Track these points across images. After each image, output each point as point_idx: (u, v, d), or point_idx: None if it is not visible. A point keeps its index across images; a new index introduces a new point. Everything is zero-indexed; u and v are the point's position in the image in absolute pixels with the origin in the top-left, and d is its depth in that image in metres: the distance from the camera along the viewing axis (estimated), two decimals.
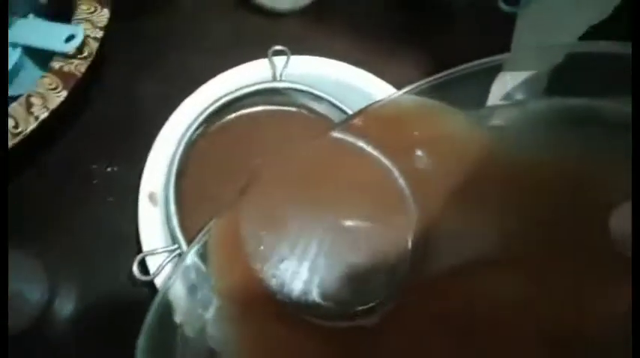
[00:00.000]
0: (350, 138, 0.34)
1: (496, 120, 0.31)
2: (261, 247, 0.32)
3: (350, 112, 0.39)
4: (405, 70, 0.49)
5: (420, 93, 0.31)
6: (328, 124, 0.40)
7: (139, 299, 0.38)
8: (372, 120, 0.32)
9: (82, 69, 0.40)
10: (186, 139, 0.38)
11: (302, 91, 0.41)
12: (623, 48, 0.24)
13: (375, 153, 0.32)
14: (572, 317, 0.25)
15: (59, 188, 0.44)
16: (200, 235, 0.34)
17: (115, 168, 0.45)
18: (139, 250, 0.37)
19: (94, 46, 0.41)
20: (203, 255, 0.33)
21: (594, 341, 0.24)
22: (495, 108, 0.31)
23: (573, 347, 0.24)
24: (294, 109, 0.42)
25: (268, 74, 0.42)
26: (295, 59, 0.42)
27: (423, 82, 0.31)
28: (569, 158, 0.27)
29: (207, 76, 0.45)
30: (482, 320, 0.28)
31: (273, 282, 0.32)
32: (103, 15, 0.43)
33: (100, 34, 0.42)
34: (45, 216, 0.42)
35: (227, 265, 0.31)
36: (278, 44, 0.42)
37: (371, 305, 0.32)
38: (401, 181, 0.31)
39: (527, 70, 0.32)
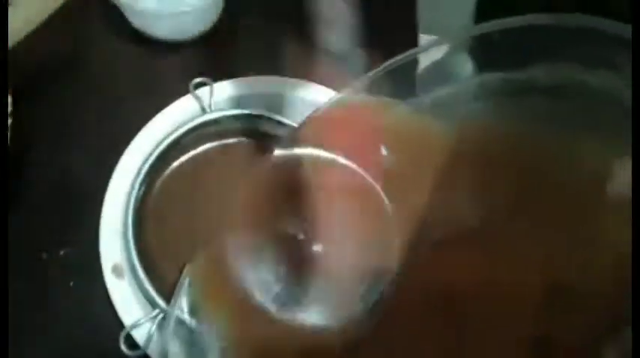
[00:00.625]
0: (299, 150, 0.33)
1: (437, 105, 0.31)
2: (248, 274, 0.31)
3: (292, 123, 0.39)
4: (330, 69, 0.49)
5: (358, 91, 0.31)
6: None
7: None
8: (320, 127, 0.32)
9: None
10: (133, 200, 0.37)
11: (238, 116, 0.40)
12: (534, 19, 0.25)
13: (335, 157, 0.32)
14: (556, 275, 0.26)
15: (16, 290, 0.41)
16: (177, 290, 0.32)
17: (68, 250, 0.42)
18: (121, 325, 0.35)
19: None
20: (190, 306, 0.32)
21: (582, 293, 0.24)
22: (432, 93, 0.31)
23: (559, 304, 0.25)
24: (234, 140, 0.41)
25: (196, 108, 0.40)
26: (219, 86, 0.40)
27: (359, 80, 0.31)
28: (516, 128, 0.28)
29: (132, 128, 0.43)
30: (470, 298, 0.28)
31: (270, 302, 0.31)
32: None
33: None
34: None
35: (219, 299, 0.30)
36: (195, 76, 0.41)
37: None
38: (369, 181, 0.31)
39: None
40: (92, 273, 0.41)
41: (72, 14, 0.48)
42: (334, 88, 0.40)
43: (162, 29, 0.48)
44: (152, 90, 0.47)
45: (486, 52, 0.30)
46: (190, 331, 0.32)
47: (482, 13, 0.48)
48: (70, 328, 0.39)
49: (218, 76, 0.42)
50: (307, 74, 0.42)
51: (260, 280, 0.31)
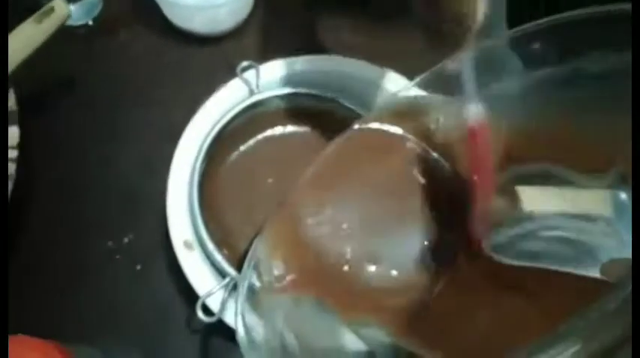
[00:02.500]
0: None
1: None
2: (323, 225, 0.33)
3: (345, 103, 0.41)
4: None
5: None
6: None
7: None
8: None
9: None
10: (196, 178, 0.39)
11: (285, 95, 0.42)
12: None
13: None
14: None
15: (87, 278, 0.43)
16: (250, 255, 0.34)
17: (131, 236, 0.45)
18: (192, 297, 0.37)
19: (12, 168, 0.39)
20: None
21: None
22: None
23: None
24: (289, 123, 0.43)
25: (245, 91, 0.42)
26: (265, 68, 0.43)
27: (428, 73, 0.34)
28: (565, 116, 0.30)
29: (178, 120, 0.45)
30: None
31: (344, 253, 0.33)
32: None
33: (14, 153, 0.40)
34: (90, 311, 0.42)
35: (294, 252, 0.32)
36: (235, 65, 0.43)
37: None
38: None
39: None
40: (157, 256, 0.43)
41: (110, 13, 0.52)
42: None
43: (198, 23, 0.50)
44: (195, 82, 0.50)
45: (532, 48, 0.32)
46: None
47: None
48: (141, 309, 0.42)
49: (260, 61, 0.44)
50: (349, 52, 0.44)
51: (333, 235, 0.33)
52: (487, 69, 0.33)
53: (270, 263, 0.33)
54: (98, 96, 0.50)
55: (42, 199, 0.45)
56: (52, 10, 0.38)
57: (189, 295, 0.38)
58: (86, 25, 0.52)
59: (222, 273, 0.37)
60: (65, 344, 0.33)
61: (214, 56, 0.51)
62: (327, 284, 0.32)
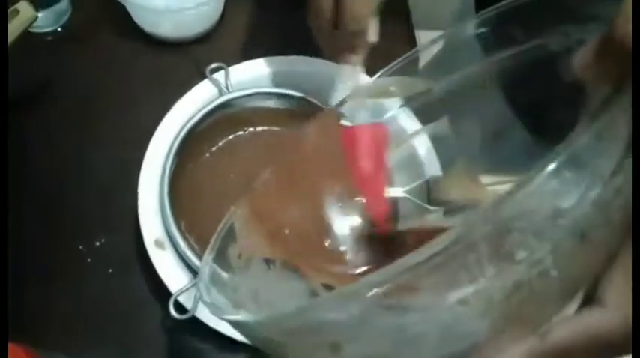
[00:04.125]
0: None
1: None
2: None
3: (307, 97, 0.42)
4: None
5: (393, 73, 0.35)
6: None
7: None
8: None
9: None
10: (167, 178, 0.39)
11: (255, 94, 0.42)
12: None
13: None
14: None
15: (58, 280, 0.43)
16: (215, 237, 0.34)
17: (103, 240, 0.44)
18: (167, 297, 0.37)
19: None
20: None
21: None
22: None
23: None
24: (258, 123, 0.44)
25: (214, 92, 0.43)
26: (234, 69, 0.43)
27: (395, 64, 0.34)
28: None
29: (150, 122, 0.45)
30: None
31: None
32: None
33: None
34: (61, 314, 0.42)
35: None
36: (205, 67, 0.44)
37: None
38: None
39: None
40: (129, 258, 0.43)
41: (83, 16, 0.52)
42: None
43: (167, 27, 0.50)
44: (166, 85, 0.50)
45: (497, 33, 0.33)
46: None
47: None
48: (114, 310, 0.42)
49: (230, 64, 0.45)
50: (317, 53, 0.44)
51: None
52: (450, 58, 0.34)
53: (244, 227, 0.34)
54: (69, 101, 0.50)
55: (13, 202, 0.45)
56: (16, 12, 0.38)
57: (162, 294, 0.38)
58: (55, 32, 0.52)
59: (194, 271, 0.37)
60: (36, 349, 0.32)
61: (185, 60, 0.52)
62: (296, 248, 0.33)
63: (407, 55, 0.36)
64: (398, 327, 0.18)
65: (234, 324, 0.23)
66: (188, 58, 0.52)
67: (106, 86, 0.51)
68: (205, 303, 0.27)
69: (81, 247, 0.44)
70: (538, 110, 0.33)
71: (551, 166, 0.16)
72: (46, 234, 0.44)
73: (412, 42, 0.56)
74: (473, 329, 0.18)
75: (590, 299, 0.18)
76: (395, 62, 0.36)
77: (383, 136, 0.38)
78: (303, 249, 0.36)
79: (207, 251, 0.32)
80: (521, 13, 0.30)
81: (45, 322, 0.41)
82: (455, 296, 0.17)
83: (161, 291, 0.38)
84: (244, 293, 0.32)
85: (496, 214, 0.16)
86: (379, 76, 0.37)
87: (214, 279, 0.31)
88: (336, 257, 0.36)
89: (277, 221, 0.35)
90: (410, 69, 0.36)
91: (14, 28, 0.38)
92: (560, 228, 0.17)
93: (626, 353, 0.18)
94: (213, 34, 0.53)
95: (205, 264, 0.32)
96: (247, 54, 0.48)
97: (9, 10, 0.38)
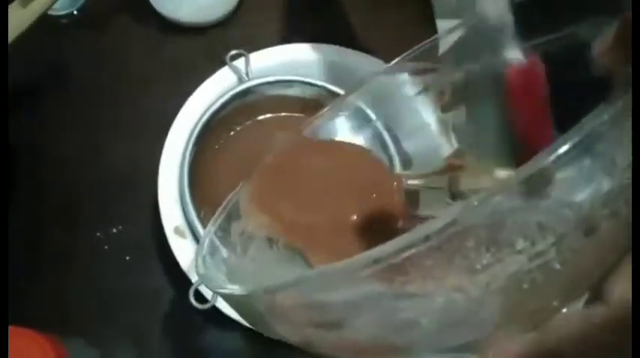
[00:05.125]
0: None
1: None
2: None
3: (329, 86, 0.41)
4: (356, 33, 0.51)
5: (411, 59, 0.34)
6: None
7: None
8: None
9: None
10: (186, 166, 0.38)
11: (272, 83, 0.42)
12: None
13: None
14: None
15: (76, 268, 0.43)
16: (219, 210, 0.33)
17: (120, 227, 0.44)
18: (186, 286, 0.37)
19: None
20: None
21: None
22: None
23: None
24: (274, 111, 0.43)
25: (234, 79, 0.42)
26: (255, 56, 0.42)
27: (411, 51, 0.33)
28: None
29: (169, 108, 0.45)
30: None
31: None
32: None
33: None
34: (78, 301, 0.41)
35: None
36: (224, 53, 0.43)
37: None
38: None
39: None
40: (146, 246, 0.43)
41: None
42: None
43: (186, 12, 0.49)
44: (184, 71, 0.49)
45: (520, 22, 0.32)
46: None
47: None
48: (132, 298, 0.42)
49: (249, 51, 0.44)
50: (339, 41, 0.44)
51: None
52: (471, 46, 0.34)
53: (249, 204, 0.33)
54: (84, 87, 0.49)
55: (30, 190, 0.44)
56: None
57: (181, 283, 0.38)
58: (71, 15, 0.51)
59: None
60: (61, 339, 0.32)
61: (203, 46, 0.51)
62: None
63: (425, 42, 0.35)
64: (391, 311, 0.18)
65: (228, 298, 0.23)
66: (207, 44, 0.51)
67: (123, 72, 0.50)
68: (200, 275, 0.26)
69: (99, 234, 0.44)
70: (564, 104, 0.33)
71: (564, 148, 0.15)
72: (61, 222, 0.44)
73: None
74: (471, 321, 0.18)
75: (595, 297, 0.18)
76: (413, 49, 0.35)
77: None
78: (313, 234, 0.35)
79: (210, 222, 0.32)
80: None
81: (63, 309, 0.41)
82: (451, 282, 0.17)
83: (180, 280, 0.38)
84: (242, 271, 0.31)
85: (497, 200, 0.16)
86: (396, 62, 0.36)
87: (212, 253, 0.31)
88: (349, 247, 0.35)
89: (287, 201, 0.34)
90: (428, 56, 0.35)
91: (35, 10, 0.37)
92: (566, 221, 0.17)
93: (627, 352, 0.17)
94: (232, 18, 0.52)
95: (206, 236, 0.31)
96: (266, 40, 0.48)
97: None
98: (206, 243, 0.30)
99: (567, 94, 0.32)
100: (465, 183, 0.38)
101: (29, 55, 0.44)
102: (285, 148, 0.36)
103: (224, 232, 0.31)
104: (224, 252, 0.31)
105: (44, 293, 0.41)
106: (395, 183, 0.36)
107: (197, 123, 0.40)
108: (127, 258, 0.43)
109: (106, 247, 0.43)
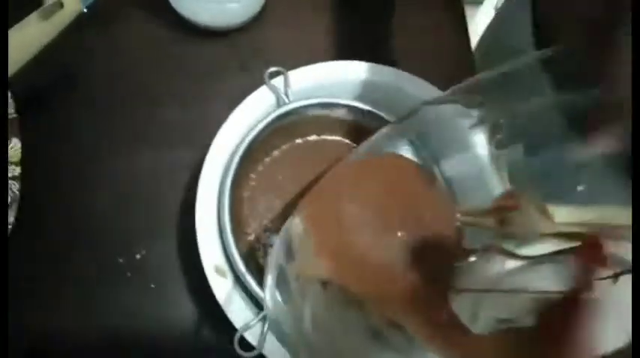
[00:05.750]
0: None
1: None
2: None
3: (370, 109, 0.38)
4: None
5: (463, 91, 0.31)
6: None
7: None
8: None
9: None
10: (226, 205, 0.36)
11: (313, 105, 0.39)
12: None
13: None
14: None
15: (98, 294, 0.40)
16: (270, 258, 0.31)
17: (143, 252, 0.41)
18: (220, 325, 0.34)
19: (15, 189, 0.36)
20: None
21: None
22: None
23: None
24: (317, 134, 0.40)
25: (271, 100, 0.39)
26: (294, 75, 0.39)
27: (470, 81, 0.31)
28: None
29: (193, 123, 0.42)
30: None
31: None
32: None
33: (17, 170, 0.37)
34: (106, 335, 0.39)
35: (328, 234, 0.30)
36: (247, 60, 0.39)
37: None
38: None
39: None
40: (172, 275, 0.40)
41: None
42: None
43: (208, 15, 0.46)
44: (206, 79, 0.46)
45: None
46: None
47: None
48: (158, 334, 0.39)
49: (271, 63, 0.40)
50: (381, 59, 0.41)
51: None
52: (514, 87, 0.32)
53: (302, 243, 0.31)
54: (99, 95, 0.45)
55: (47, 212, 0.41)
56: (60, 4, 0.33)
57: (214, 320, 0.35)
58: (80, 13, 0.47)
59: (253, 299, 0.35)
60: None
61: (225, 52, 0.47)
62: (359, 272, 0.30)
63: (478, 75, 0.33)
64: None
65: None
66: (229, 50, 0.47)
67: (140, 78, 0.46)
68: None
69: (121, 260, 0.41)
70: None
71: None
72: (80, 247, 0.41)
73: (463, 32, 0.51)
74: None
75: None
76: (467, 80, 0.33)
77: None
78: (369, 277, 0.33)
79: (266, 274, 0.29)
80: None
81: (82, 343, 0.38)
82: None
83: (213, 316, 0.35)
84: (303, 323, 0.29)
85: None
86: (450, 91, 0.34)
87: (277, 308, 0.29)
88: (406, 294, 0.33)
89: (340, 238, 0.32)
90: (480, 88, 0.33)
91: (56, 25, 0.33)
92: None
93: None
94: (256, 23, 0.48)
95: (267, 293, 0.29)
96: (293, 49, 0.45)
97: (51, 2, 0.33)
98: (268, 298, 0.28)
99: None
100: (518, 223, 0.36)
101: (37, 60, 0.40)
102: (335, 175, 0.33)
103: (282, 279, 0.29)
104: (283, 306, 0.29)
105: (62, 322, 0.39)
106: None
107: (234, 153, 0.37)
108: (152, 285, 0.40)
109: (129, 274, 0.41)
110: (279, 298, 0.29)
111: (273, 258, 0.29)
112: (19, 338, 0.36)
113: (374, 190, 0.33)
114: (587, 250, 0.29)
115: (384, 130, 0.35)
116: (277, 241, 0.30)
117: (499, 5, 0.56)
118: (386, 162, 0.34)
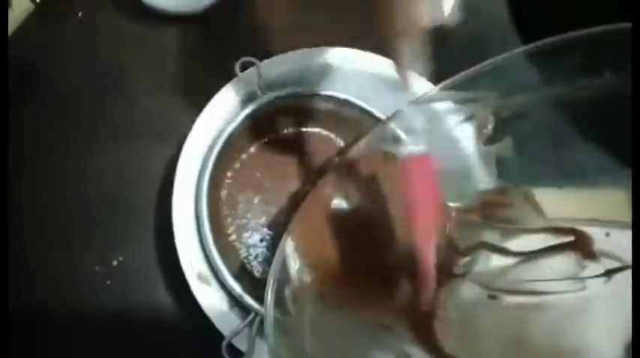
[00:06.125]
0: None
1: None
2: None
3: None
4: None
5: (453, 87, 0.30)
6: None
7: None
8: None
9: None
10: (204, 209, 0.34)
11: (289, 96, 0.37)
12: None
13: None
14: None
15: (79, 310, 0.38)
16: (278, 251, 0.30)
17: (121, 258, 0.40)
18: (207, 331, 0.33)
19: None
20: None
21: None
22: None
23: None
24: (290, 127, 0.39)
25: (244, 93, 0.37)
26: (267, 64, 0.37)
27: (457, 77, 0.29)
28: None
29: (164, 117, 0.40)
30: None
31: None
32: None
33: None
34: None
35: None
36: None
37: None
38: None
39: None
40: (153, 279, 0.39)
41: None
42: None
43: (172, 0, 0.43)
44: (173, 69, 0.44)
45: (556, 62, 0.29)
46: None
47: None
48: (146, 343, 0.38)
49: (243, 52, 0.38)
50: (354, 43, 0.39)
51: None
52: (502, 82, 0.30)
53: (296, 258, 0.30)
54: (60, 91, 0.42)
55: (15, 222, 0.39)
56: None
57: (201, 327, 0.34)
58: (32, 11, 0.43)
59: (240, 305, 0.34)
60: None
61: (192, 38, 0.45)
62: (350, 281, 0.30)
63: (469, 70, 0.31)
64: None
65: None
66: (196, 35, 0.45)
67: (102, 71, 0.43)
68: None
69: (97, 267, 0.39)
70: (612, 136, 0.30)
71: None
72: (54, 256, 0.39)
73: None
74: None
75: None
76: (456, 76, 0.32)
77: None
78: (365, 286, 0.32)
79: (266, 296, 0.29)
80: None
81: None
82: None
83: (199, 322, 0.34)
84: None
85: None
86: (439, 89, 0.33)
87: (279, 327, 0.28)
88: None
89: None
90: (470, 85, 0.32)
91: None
92: None
93: None
94: (223, 5, 0.45)
95: (267, 314, 0.28)
96: (264, 30, 0.42)
97: None
98: (269, 321, 0.27)
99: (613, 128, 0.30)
100: (508, 218, 0.35)
101: None
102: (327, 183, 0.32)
103: (280, 300, 0.28)
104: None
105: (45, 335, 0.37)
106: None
107: (209, 155, 0.35)
108: (134, 294, 0.39)
109: (108, 282, 0.39)
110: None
111: (272, 274, 0.29)
112: None
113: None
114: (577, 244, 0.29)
115: (376, 128, 0.34)
116: (274, 259, 0.29)
117: None
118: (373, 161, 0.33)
